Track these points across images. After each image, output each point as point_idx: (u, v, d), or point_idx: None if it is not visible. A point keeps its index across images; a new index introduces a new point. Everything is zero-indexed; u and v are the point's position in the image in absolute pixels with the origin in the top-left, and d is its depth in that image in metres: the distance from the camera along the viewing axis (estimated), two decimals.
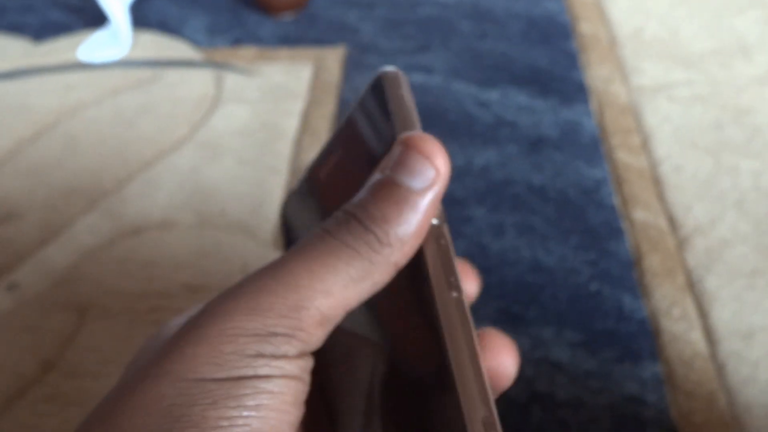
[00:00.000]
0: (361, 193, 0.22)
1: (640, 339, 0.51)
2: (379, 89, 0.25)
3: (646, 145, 0.65)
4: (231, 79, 0.73)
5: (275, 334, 0.20)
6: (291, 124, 0.67)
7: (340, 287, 0.21)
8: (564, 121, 0.67)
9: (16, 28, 0.82)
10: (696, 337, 0.51)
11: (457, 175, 0.62)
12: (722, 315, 0.52)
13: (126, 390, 0.19)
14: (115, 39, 0.77)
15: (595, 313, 0.52)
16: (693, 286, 0.54)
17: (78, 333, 0.52)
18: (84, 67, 0.76)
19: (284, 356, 0.20)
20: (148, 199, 0.61)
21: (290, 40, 0.79)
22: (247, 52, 0.77)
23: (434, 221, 0.23)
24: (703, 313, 0.52)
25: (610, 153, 0.64)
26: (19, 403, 0.48)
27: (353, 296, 0.21)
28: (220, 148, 0.65)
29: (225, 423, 0.18)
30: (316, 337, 0.21)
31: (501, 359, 0.25)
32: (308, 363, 0.21)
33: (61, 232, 0.58)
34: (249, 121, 0.68)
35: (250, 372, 0.19)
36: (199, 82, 0.73)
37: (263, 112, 0.69)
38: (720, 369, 0.49)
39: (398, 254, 0.21)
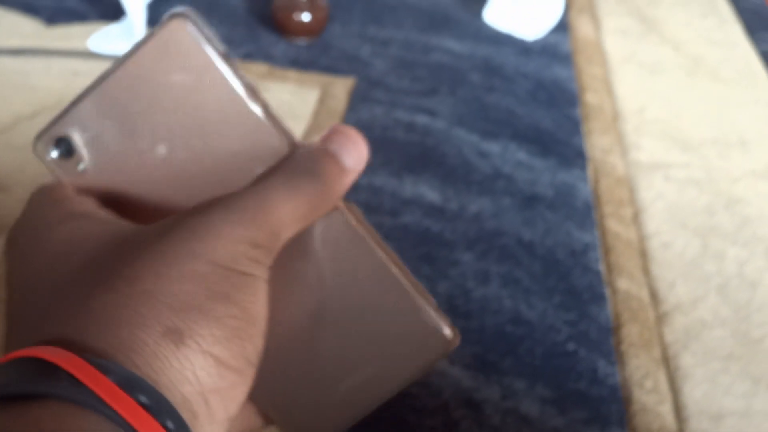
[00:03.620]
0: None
1: (611, 405, 0.50)
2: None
3: (637, 218, 0.65)
4: None
5: (261, 245, 0.24)
6: None
7: (292, 209, 0.25)
8: (560, 182, 0.68)
9: (30, 8, 0.82)
10: (665, 411, 0.50)
11: (449, 218, 0.62)
12: (694, 393, 0.52)
13: (156, 260, 0.23)
14: (127, 34, 0.77)
15: (569, 373, 0.52)
16: (668, 361, 0.54)
17: None
18: (93, 56, 0.75)
19: (264, 264, 0.25)
20: None
21: (301, 63, 0.79)
22: (258, 67, 0.77)
23: None
24: (675, 389, 0.52)
25: (601, 220, 0.64)
26: None
27: (302, 222, 0.26)
28: None
29: (239, 303, 0.24)
30: (278, 251, 0.26)
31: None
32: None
33: None
34: None
35: (249, 270, 0.24)
36: None
37: None
38: None
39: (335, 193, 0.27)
